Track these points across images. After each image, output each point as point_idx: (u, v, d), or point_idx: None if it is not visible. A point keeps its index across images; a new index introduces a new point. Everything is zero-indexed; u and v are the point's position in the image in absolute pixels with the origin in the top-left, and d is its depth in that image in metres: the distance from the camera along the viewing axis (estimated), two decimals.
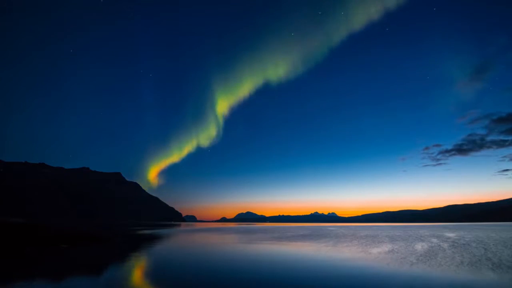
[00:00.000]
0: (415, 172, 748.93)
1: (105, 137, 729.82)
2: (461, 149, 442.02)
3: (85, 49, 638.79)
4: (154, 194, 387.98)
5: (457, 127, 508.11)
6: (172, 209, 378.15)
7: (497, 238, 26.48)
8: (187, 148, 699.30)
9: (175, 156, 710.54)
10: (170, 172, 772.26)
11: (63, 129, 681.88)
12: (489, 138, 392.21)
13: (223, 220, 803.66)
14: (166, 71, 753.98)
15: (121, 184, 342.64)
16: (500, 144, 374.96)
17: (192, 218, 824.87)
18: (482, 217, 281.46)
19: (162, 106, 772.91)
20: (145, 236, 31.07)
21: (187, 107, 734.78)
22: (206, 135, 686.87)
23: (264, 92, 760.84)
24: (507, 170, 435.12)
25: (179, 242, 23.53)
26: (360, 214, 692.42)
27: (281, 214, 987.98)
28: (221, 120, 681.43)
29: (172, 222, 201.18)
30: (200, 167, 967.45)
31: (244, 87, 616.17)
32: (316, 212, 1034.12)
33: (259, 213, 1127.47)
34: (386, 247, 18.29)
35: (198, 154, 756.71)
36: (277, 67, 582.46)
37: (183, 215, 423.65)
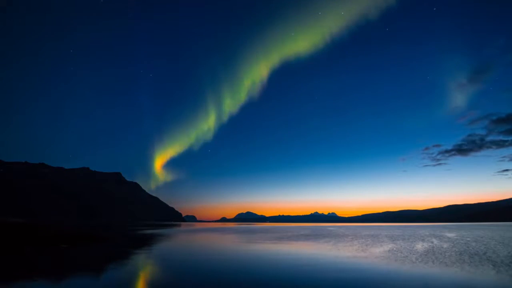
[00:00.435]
0: (415, 172, 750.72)
1: (105, 137, 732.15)
2: (461, 149, 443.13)
3: (85, 49, 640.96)
4: (154, 194, 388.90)
5: (457, 128, 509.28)
6: (172, 209, 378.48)
7: (497, 238, 26.48)
8: (187, 148, 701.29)
9: (175, 156, 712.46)
10: (170, 172, 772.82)
11: (63, 129, 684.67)
12: (488, 139, 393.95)
13: (223, 220, 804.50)
14: (166, 72, 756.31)
15: (121, 184, 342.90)
16: (500, 144, 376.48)
17: (192, 218, 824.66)
18: (482, 217, 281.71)
19: (162, 106, 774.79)
20: (145, 236, 31.06)
21: (187, 108, 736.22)
22: (206, 135, 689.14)
23: (264, 92, 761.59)
24: (507, 170, 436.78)
25: (179, 242, 23.51)
26: (360, 214, 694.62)
27: (281, 214, 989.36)
28: (221, 120, 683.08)
29: (172, 222, 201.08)
30: (200, 167, 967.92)
31: (244, 87, 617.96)
32: (316, 212, 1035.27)
33: (259, 213, 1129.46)
34: (386, 247, 18.27)
35: (198, 154, 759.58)
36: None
37: (183, 215, 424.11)
